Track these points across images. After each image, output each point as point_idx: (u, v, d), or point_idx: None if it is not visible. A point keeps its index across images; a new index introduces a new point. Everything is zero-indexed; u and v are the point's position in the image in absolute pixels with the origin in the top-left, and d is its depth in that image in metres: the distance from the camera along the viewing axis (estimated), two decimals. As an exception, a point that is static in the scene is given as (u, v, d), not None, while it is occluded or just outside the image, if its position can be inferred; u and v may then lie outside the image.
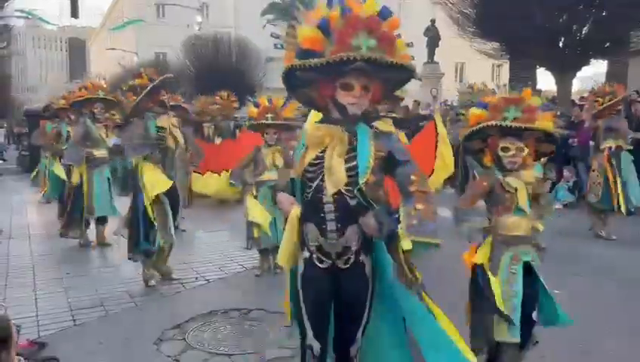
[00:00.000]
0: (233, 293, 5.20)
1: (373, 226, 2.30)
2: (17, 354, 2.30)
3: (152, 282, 5.34)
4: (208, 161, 7.20)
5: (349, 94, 2.34)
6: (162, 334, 4.12)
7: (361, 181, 2.34)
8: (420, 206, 2.24)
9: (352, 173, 2.35)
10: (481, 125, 2.97)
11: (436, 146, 5.28)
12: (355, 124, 2.41)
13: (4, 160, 19.80)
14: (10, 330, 2.19)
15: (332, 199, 2.37)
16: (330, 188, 2.36)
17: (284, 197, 2.55)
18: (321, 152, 2.39)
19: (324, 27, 2.24)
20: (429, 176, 5.45)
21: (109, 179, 6.88)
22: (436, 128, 5.29)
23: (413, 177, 2.33)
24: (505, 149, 2.96)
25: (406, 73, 2.37)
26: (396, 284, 2.36)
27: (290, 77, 2.36)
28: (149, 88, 5.05)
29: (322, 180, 2.38)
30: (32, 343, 3.83)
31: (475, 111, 3.06)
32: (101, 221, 6.96)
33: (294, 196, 2.55)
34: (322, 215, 2.40)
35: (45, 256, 6.65)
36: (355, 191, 2.36)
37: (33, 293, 5.17)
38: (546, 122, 2.90)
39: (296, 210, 2.46)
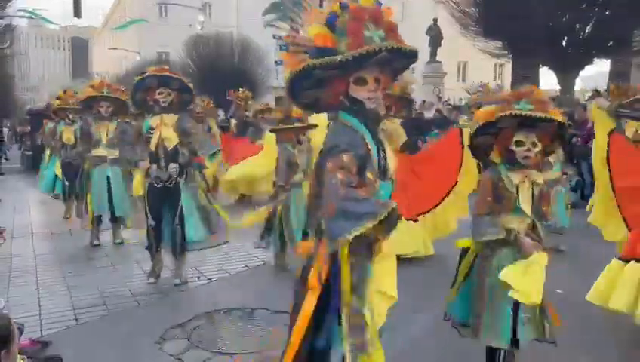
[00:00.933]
0: (236, 293, 5.19)
1: None
2: (20, 353, 2.30)
3: (152, 280, 5.37)
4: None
5: (364, 88, 2.33)
6: (165, 333, 4.12)
7: None
8: None
9: None
10: (498, 115, 2.81)
11: (462, 158, 5.42)
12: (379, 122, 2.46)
13: (6, 159, 19.78)
14: (10, 328, 2.18)
15: None
16: None
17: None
18: None
19: (331, 23, 2.21)
20: (454, 185, 5.61)
21: (108, 178, 6.74)
22: (462, 140, 5.41)
23: None
24: (519, 143, 2.80)
25: (407, 60, 2.36)
26: None
27: (299, 79, 2.29)
28: (136, 81, 5.15)
29: None
30: (34, 342, 3.84)
31: (487, 108, 2.96)
32: (115, 219, 6.95)
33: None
34: None
35: (48, 255, 6.66)
36: None
37: (36, 292, 5.17)
38: (558, 115, 2.79)
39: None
